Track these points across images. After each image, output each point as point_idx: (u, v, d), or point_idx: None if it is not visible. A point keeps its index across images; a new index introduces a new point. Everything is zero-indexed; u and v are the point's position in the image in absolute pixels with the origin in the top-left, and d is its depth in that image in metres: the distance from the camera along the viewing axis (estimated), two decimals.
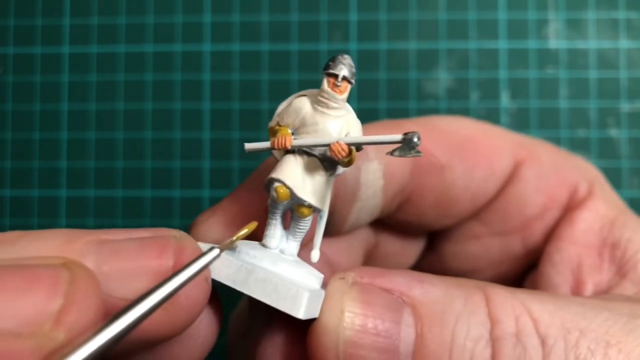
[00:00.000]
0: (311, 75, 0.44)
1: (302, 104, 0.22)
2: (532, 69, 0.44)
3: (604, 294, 0.25)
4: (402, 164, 0.27)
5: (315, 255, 0.22)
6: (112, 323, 0.15)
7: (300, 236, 0.22)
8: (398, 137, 0.20)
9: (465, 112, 0.44)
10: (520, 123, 0.43)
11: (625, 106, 0.43)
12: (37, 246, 0.17)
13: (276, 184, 0.21)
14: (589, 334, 0.19)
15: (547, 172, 0.28)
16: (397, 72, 0.44)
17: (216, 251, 0.18)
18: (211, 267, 0.19)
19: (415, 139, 0.19)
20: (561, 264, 0.26)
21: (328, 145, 0.21)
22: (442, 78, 0.44)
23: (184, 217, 0.44)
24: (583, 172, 0.28)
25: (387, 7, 0.44)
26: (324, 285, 0.21)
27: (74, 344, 0.14)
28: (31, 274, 0.15)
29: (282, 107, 0.23)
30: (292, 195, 0.21)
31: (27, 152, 0.45)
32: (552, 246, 0.27)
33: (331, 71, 0.21)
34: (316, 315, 0.19)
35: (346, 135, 0.21)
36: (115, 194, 0.44)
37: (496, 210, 0.28)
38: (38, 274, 0.15)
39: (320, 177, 0.21)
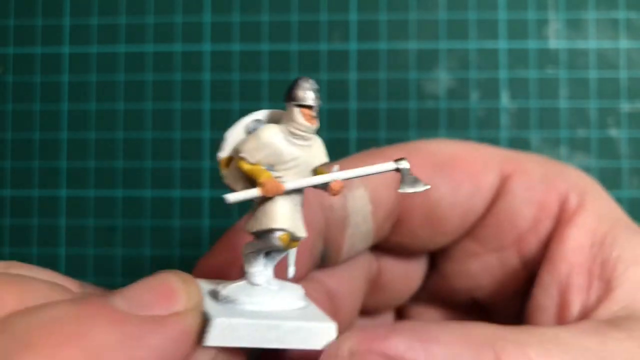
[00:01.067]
0: (311, 75, 0.44)
1: (273, 138, 0.20)
2: (532, 68, 0.44)
3: (589, 315, 0.24)
4: (387, 188, 0.27)
5: (291, 271, 0.22)
6: None
7: (277, 261, 0.22)
8: (391, 165, 0.20)
9: (465, 112, 0.44)
10: (520, 123, 0.43)
11: (625, 106, 0.43)
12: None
13: (279, 234, 0.20)
14: None
15: (536, 184, 0.28)
16: (397, 72, 0.44)
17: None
18: (228, 337, 0.19)
19: (404, 164, 0.20)
20: (550, 285, 0.26)
21: (326, 183, 0.20)
22: (442, 78, 0.44)
23: (183, 217, 0.44)
24: (574, 182, 0.28)
25: (387, 7, 0.44)
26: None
27: None
28: (160, 282, 0.19)
29: (234, 135, 0.22)
30: (292, 237, 0.21)
31: (27, 152, 0.45)
32: (543, 268, 0.27)
33: (305, 103, 0.20)
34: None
35: (326, 165, 0.21)
36: (115, 193, 0.44)
37: (489, 226, 0.28)
38: (162, 283, 0.19)
39: (301, 207, 0.21)
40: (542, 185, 0.28)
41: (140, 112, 0.45)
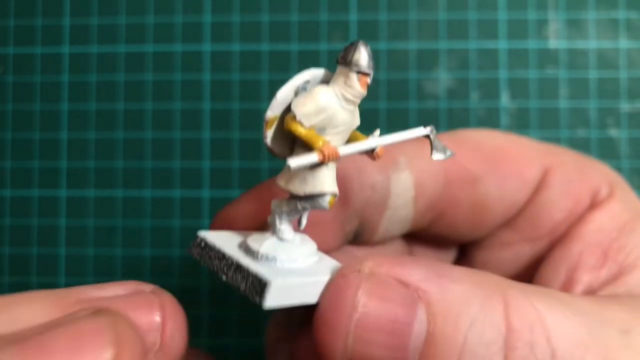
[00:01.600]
0: None
1: (330, 103, 0.21)
2: (532, 69, 0.44)
3: (594, 293, 0.25)
4: (434, 177, 0.27)
5: (304, 223, 0.23)
6: None
7: (297, 216, 0.23)
8: (422, 130, 0.21)
9: (465, 112, 0.44)
10: (520, 123, 0.43)
11: (625, 106, 0.43)
12: (28, 311, 0.17)
13: (329, 198, 0.21)
14: (592, 349, 0.19)
15: (573, 177, 0.28)
16: (397, 72, 0.44)
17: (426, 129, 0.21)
18: (284, 297, 0.19)
19: (430, 128, 0.21)
20: (559, 260, 0.27)
21: (372, 149, 0.21)
22: (442, 78, 0.44)
23: (184, 217, 0.44)
24: (605, 175, 0.29)
25: (387, 7, 0.44)
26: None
27: None
28: (78, 333, 0.15)
29: (283, 95, 0.22)
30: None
31: (27, 152, 0.45)
32: (558, 244, 0.28)
33: (367, 70, 0.20)
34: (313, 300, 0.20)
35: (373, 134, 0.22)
36: (115, 193, 0.44)
37: (527, 217, 0.29)
38: (85, 332, 0.15)
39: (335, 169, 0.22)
40: (578, 178, 0.28)
41: (140, 112, 0.45)
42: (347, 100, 0.21)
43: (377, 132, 0.22)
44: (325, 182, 0.21)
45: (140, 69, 0.45)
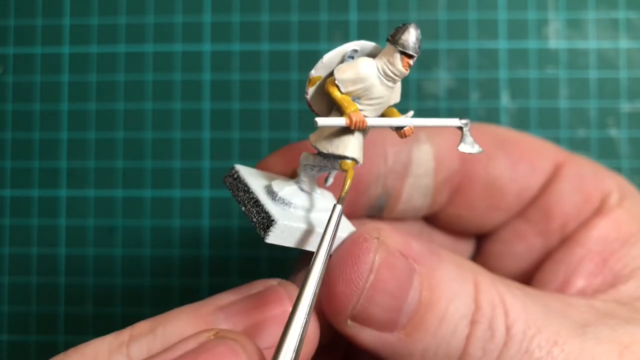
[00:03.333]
0: None
1: (370, 74, 0.22)
2: (532, 69, 0.44)
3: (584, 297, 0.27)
4: (451, 151, 0.29)
5: (330, 180, 0.25)
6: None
7: (323, 173, 0.24)
8: (457, 121, 0.22)
9: (465, 112, 0.44)
10: (520, 123, 0.43)
11: (625, 106, 0.43)
12: (175, 328, 0.19)
13: (349, 162, 0.22)
14: (544, 332, 0.22)
15: (586, 175, 0.30)
16: None
17: (339, 206, 0.21)
18: (286, 237, 0.21)
19: (465, 121, 0.22)
20: (560, 262, 0.28)
21: (401, 127, 0.22)
22: (442, 78, 0.44)
23: (184, 216, 0.44)
24: (618, 183, 0.30)
25: (387, 7, 0.44)
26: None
27: None
28: (212, 355, 0.18)
29: (330, 58, 0.22)
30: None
31: (27, 152, 0.45)
32: (561, 246, 0.29)
33: (411, 52, 0.21)
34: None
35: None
36: (115, 193, 0.44)
37: (539, 208, 0.30)
38: (218, 352, 0.18)
39: (362, 139, 0.23)
40: (591, 178, 0.30)
41: (140, 112, 0.45)
42: (387, 76, 0.22)
43: (411, 113, 0.23)
44: (349, 146, 0.22)
45: (140, 69, 0.45)
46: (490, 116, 0.44)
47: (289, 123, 0.43)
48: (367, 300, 0.21)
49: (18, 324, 0.44)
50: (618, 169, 0.43)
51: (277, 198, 0.23)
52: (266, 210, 0.21)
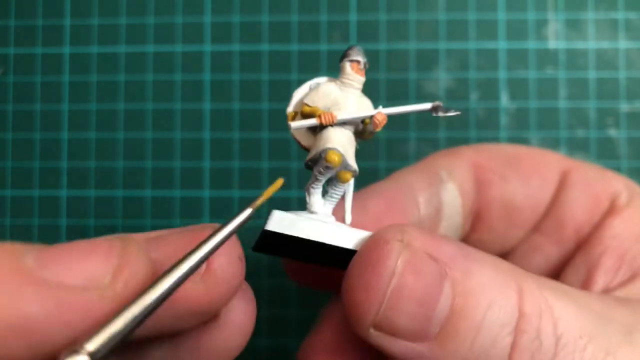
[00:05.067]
0: (311, 75, 0.44)
1: (330, 88, 0.25)
2: (532, 69, 0.44)
3: (608, 293, 0.27)
4: (469, 181, 0.29)
5: (348, 218, 0.25)
6: (153, 285, 0.18)
7: (335, 200, 0.25)
8: (428, 105, 0.24)
9: (465, 112, 0.44)
10: (519, 123, 0.44)
11: (624, 106, 0.43)
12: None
13: (331, 151, 0.23)
14: (595, 342, 0.20)
15: (592, 178, 0.30)
16: (397, 73, 0.44)
17: (249, 210, 0.21)
18: (283, 221, 0.22)
19: (437, 103, 0.24)
20: (581, 262, 0.28)
21: (372, 116, 0.24)
22: (442, 78, 0.44)
23: (184, 217, 0.44)
24: (625, 183, 0.30)
25: (386, 8, 0.44)
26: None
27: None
28: (91, 245, 0.18)
29: (299, 93, 0.25)
30: (343, 161, 0.23)
31: (28, 152, 0.45)
32: (580, 248, 0.29)
33: (355, 58, 0.24)
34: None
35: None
36: (115, 193, 0.44)
37: (552, 218, 0.30)
38: (97, 244, 0.18)
39: (353, 147, 0.24)
40: (598, 181, 0.30)
41: (140, 112, 0.45)
42: (344, 84, 0.25)
43: (380, 107, 0.25)
44: (328, 140, 0.23)
45: (140, 69, 0.45)
46: (490, 116, 0.44)
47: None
48: (390, 308, 0.20)
49: None
50: (617, 169, 0.43)
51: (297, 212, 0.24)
52: (271, 212, 0.22)
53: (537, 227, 0.31)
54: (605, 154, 0.43)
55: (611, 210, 0.29)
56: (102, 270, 0.18)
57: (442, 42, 0.44)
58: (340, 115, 0.24)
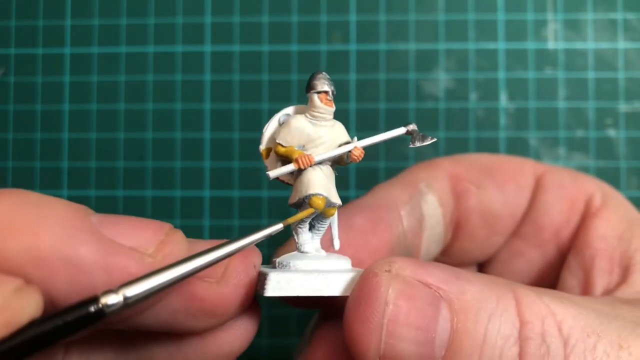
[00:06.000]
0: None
1: (301, 123, 0.24)
2: (531, 69, 0.44)
3: (609, 295, 0.27)
4: (448, 192, 0.30)
5: (337, 243, 0.25)
6: (184, 262, 0.20)
7: (322, 232, 0.25)
8: (402, 130, 0.24)
9: (464, 112, 0.44)
10: (518, 123, 0.44)
11: (623, 106, 0.44)
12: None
13: (315, 197, 0.23)
14: (605, 338, 0.20)
15: (566, 181, 0.31)
16: (397, 73, 0.44)
17: (280, 225, 0.22)
18: (284, 287, 0.22)
19: (412, 126, 0.24)
20: (576, 268, 0.29)
21: (348, 152, 0.24)
22: (442, 79, 0.44)
23: (184, 217, 0.44)
24: (598, 185, 0.31)
25: (386, 8, 0.45)
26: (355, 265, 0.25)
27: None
28: (146, 221, 0.21)
29: (270, 129, 0.26)
30: (327, 202, 0.24)
31: (29, 152, 0.45)
32: (571, 253, 0.30)
33: (321, 89, 0.24)
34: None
35: (348, 142, 0.25)
36: (116, 193, 0.45)
37: (530, 223, 0.31)
38: (151, 222, 0.21)
39: (333, 180, 0.25)
40: (571, 183, 0.31)
41: (141, 112, 0.45)
42: (315, 117, 0.24)
43: (355, 138, 0.25)
44: (310, 185, 0.24)
45: (141, 69, 0.45)
46: (489, 116, 0.44)
47: None
48: (390, 337, 0.20)
49: None
50: (616, 169, 0.43)
51: (276, 264, 0.24)
52: (263, 273, 0.22)
53: (516, 233, 0.31)
54: (604, 154, 0.43)
55: (589, 211, 0.30)
56: (149, 241, 0.21)
57: (442, 43, 0.44)
58: (318, 157, 0.24)
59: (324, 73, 0.24)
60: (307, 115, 0.25)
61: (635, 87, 0.44)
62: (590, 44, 0.44)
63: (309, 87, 0.24)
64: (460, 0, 0.44)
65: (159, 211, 0.44)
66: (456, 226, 0.31)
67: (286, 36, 0.45)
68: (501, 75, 0.44)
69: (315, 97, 0.24)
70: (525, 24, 0.44)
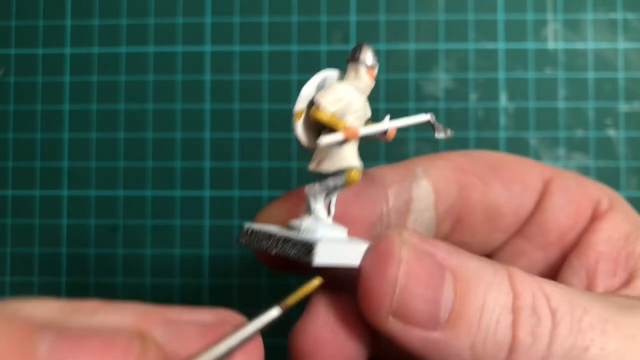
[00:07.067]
0: (312, 75, 0.44)
1: (348, 93, 0.24)
2: (531, 69, 0.44)
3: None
4: (448, 183, 0.30)
5: (332, 211, 0.26)
6: None
7: (329, 201, 0.26)
8: (427, 116, 0.25)
9: (464, 112, 0.44)
10: (518, 123, 0.44)
11: (623, 106, 0.44)
12: (116, 318, 0.19)
13: (355, 171, 0.24)
14: (591, 312, 0.22)
15: (573, 186, 0.31)
16: (397, 73, 0.44)
17: (276, 310, 0.21)
18: (330, 256, 0.22)
19: (432, 116, 0.25)
20: (579, 268, 0.29)
21: (385, 130, 0.25)
22: (441, 79, 0.44)
23: (184, 217, 0.44)
24: (603, 190, 0.31)
25: (386, 8, 0.45)
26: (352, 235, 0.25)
27: None
28: (110, 340, 0.17)
29: (308, 90, 0.25)
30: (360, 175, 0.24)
31: (29, 152, 0.45)
32: (573, 254, 0.30)
33: (373, 64, 0.24)
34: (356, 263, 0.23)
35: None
36: (116, 193, 0.45)
37: (535, 224, 0.31)
38: (115, 340, 0.17)
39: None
40: (578, 188, 0.31)
41: (141, 112, 0.45)
42: (358, 89, 0.24)
43: (388, 117, 0.25)
44: (350, 157, 0.24)
45: (141, 69, 0.45)
46: (489, 117, 0.44)
47: (289, 124, 0.44)
48: (403, 291, 0.22)
49: None
50: (616, 169, 0.43)
51: (301, 230, 0.24)
52: (301, 240, 0.22)
53: (521, 233, 0.32)
54: (603, 154, 0.43)
55: (596, 215, 0.30)
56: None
57: (442, 43, 0.44)
58: (362, 132, 0.24)
59: (371, 46, 0.24)
60: (352, 84, 0.25)
61: (635, 87, 0.44)
62: (590, 44, 0.44)
63: (357, 58, 0.24)
64: (460, 0, 0.44)
65: (159, 211, 0.44)
66: (457, 219, 0.31)
67: (286, 36, 0.45)
68: (501, 75, 0.44)
69: (364, 70, 0.24)
70: (525, 24, 0.44)
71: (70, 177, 0.45)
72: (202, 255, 0.44)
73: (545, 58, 0.44)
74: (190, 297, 0.44)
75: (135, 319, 0.19)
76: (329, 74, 0.26)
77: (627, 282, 0.27)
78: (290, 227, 0.25)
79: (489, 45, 0.44)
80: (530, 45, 0.44)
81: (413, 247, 0.22)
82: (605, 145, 0.43)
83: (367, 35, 0.44)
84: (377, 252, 0.22)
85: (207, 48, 0.45)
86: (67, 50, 0.46)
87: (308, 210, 0.25)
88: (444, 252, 0.23)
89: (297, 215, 0.26)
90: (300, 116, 0.25)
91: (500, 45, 0.44)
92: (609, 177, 0.43)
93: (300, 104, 0.25)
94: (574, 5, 0.44)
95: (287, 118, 0.44)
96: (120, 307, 0.19)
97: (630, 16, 0.44)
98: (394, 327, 0.22)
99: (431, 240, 0.23)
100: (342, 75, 0.25)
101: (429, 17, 0.44)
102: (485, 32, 0.44)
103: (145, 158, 0.45)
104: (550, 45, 0.44)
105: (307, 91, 0.25)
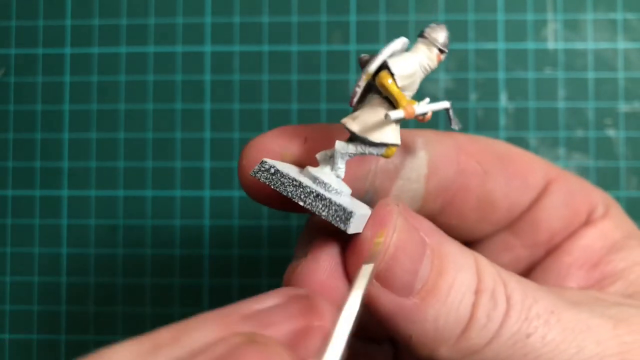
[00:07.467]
0: (311, 76, 0.44)
1: (417, 68, 0.24)
2: (531, 69, 0.44)
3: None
4: (447, 162, 0.30)
5: (342, 174, 0.26)
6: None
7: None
8: (447, 103, 0.25)
9: (464, 112, 0.44)
10: (518, 124, 0.44)
11: (623, 107, 0.44)
12: (199, 337, 0.19)
13: (394, 147, 0.24)
14: (540, 302, 0.24)
15: (574, 190, 0.31)
16: None
17: (370, 266, 0.22)
18: (359, 225, 0.23)
19: (449, 103, 0.25)
20: (550, 270, 0.30)
21: (425, 113, 0.24)
22: (441, 79, 0.44)
23: (184, 217, 0.44)
24: (603, 197, 0.31)
25: (386, 8, 0.45)
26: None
27: None
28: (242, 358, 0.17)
29: (386, 53, 0.24)
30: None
31: (29, 152, 0.45)
32: (550, 256, 0.30)
33: (445, 49, 0.24)
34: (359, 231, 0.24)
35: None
36: (116, 193, 0.45)
37: (528, 222, 0.31)
38: (248, 357, 0.17)
39: None
40: (579, 193, 0.31)
41: (141, 112, 0.45)
42: (425, 69, 0.24)
43: (427, 99, 0.24)
44: (397, 134, 0.24)
45: (141, 69, 0.45)
46: (489, 117, 0.44)
47: (290, 123, 0.44)
48: (391, 258, 0.23)
49: (20, 323, 0.45)
50: (616, 169, 0.43)
51: (331, 189, 0.24)
52: (337, 203, 0.23)
53: (511, 228, 0.32)
54: (603, 154, 0.43)
55: (588, 221, 0.30)
56: None
57: None
58: (417, 110, 0.23)
59: (447, 29, 0.24)
60: (421, 63, 0.24)
61: (635, 87, 0.44)
62: (590, 44, 0.44)
63: (437, 39, 0.24)
64: (460, 0, 0.44)
65: (159, 211, 0.44)
66: (448, 201, 0.31)
67: (286, 36, 0.45)
68: (501, 75, 0.44)
69: (436, 54, 0.24)
70: (525, 24, 0.44)
71: (70, 177, 0.45)
72: (202, 255, 0.44)
73: (545, 58, 0.44)
74: (191, 297, 0.44)
75: (218, 328, 0.19)
76: (404, 42, 0.25)
77: (600, 288, 0.28)
78: (317, 179, 0.24)
79: (489, 45, 0.44)
80: (530, 45, 0.44)
81: (405, 221, 0.24)
82: (605, 145, 0.43)
83: (367, 35, 0.44)
84: (376, 219, 0.24)
85: (207, 48, 0.45)
86: (67, 50, 0.46)
87: (329, 164, 0.25)
88: (427, 230, 0.24)
89: (290, 151, 0.26)
90: (369, 77, 0.25)
91: (500, 45, 0.44)
92: (609, 177, 0.43)
93: (375, 65, 0.25)
94: (574, 5, 0.44)
95: (287, 118, 0.44)
96: (191, 325, 0.19)
97: (630, 16, 0.44)
98: (373, 288, 0.23)
99: (417, 216, 0.25)
100: (415, 48, 0.25)
101: (429, 17, 0.44)
102: (485, 32, 0.44)
103: (145, 158, 0.45)
104: (550, 45, 0.44)
105: (385, 55, 0.25)
